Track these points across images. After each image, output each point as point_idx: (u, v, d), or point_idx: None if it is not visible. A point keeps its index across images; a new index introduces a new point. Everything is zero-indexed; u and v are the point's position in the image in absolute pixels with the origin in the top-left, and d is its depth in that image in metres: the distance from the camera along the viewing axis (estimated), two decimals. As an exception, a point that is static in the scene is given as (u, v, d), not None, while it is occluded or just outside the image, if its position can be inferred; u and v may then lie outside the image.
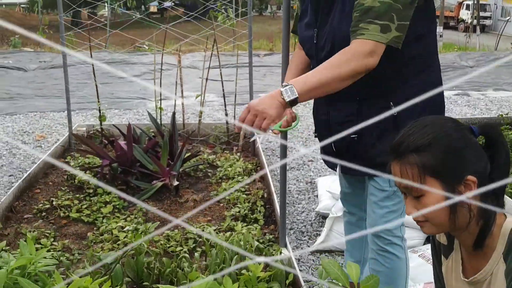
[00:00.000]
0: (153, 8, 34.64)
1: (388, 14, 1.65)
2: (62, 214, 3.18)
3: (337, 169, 2.12)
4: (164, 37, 4.98)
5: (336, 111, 1.92)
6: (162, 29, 4.76)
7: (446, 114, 5.96)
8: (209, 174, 3.88)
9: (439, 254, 1.42)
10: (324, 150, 2.07)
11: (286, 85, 1.64)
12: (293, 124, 1.81)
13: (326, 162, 2.19)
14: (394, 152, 1.26)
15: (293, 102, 1.64)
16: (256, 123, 1.63)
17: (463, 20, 33.35)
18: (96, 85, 4.37)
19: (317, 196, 3.68)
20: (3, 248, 2.02)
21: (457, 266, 1.34)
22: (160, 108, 4.27)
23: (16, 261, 1.55)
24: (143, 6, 36.83)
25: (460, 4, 34.01)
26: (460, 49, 17.48)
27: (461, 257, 1.34)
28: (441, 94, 1.99)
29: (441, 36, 20.62)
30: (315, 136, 2.11)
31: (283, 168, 2.67)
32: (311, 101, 2.04)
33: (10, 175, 4.13)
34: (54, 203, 3.27)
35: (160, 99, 4.62)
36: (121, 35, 6.36)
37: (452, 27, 33.70)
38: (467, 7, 33.09)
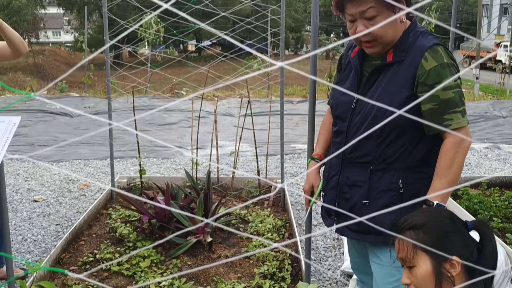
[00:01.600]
0: (191, 47, 35.94)
1: (461, 100, 1.92)
2: (104, 267, 3.44)
3: (333, 228, 2.28)
4: (201, 80, 5.29)
5: (348, 174, 2.10)
6: (199, 71, 5.11)
7: (476, 169, 5.95)
8: (240, 229, 4.10)
9: None
10: (326, 209, 2.24)
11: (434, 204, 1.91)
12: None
13: (324, 220, 2.29)
14: (396, 228, 1.49)
15: None
16: None
17: (500, 61, 33.13)
18: (138, 141, 4.70)
19: (343, 253, 3.83)
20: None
21: None
22: (196, 163, 4.55)
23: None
24: (181, 45, 38.30)
25: (497, 45, 33.85)
26: (496, 91, 17.39)
27: None
28: None
29: (477, 78, 20.55)
30: (323, 196, 2.28)
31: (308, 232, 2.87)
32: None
33: (56, 224, 4.46)
34: (97, 256, 3.54)
35: (197, 149, 4.92)
36: (160, 73, 6.78)
37: (489, 68, 33.50)
38: (505, 47, 32.89)
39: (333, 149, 2.21)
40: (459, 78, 1.94)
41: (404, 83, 1.94)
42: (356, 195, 2.07)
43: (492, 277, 1.54)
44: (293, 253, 3.59)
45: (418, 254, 1.46)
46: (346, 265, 3.52)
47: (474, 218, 3.92)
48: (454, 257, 1.43)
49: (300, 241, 3.74)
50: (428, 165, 2.00)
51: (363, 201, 2.06)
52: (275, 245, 0.56)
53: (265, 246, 3.71)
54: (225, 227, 1.24)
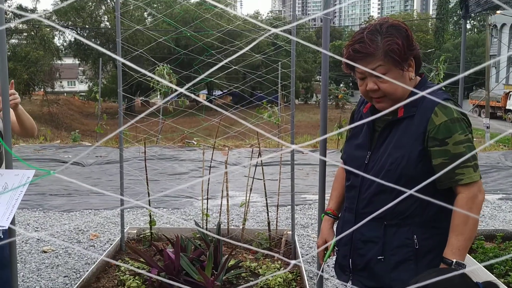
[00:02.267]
0: (202, 96, 36.55)
1: (473, 155, 1.93)
2: (111, 322, 3.38)
3: (349, 284, 2.25)
4: (212, 130, 5.33)
5: (362, 229, 2.08)
6: (210, 123, 5.16)
7: (490, 221, 5.87)
8: (250, 282, 4.02)
9: None
10: (340, 264, 2.22)
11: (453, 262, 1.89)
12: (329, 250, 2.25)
13: (338, 276, 2.27)
14: None
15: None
16: None
17: (510, 111, 33.23)
18: (148, 192, 4.71)
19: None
20: None
21: None
22: (207, 215, 4.53)
23: None
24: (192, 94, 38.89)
25: (507, 95, 34.04)
26: (508, 140, 17.33)
27: None
28: None
29: (488, 127, 20.55)
30: (336, 251, 2.26)
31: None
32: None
33: (65, 276, 4.41)
34: (105, 310, 3.48)
35: (207, 200, 4.91)
36: (171, 124, 6.85)
37: (499, 117, 33.58)
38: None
39: (346, 203, 2.20)
40: (470, 132, 1.95)
41: (415, 138, 1.95)
42: (371, 251, 2.05)
43: None
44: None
45: None
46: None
47: (489, 273, 3.83)
48: None
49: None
50: (442, 220, 1.99)
51: (378, 257, 2.04)
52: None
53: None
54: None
